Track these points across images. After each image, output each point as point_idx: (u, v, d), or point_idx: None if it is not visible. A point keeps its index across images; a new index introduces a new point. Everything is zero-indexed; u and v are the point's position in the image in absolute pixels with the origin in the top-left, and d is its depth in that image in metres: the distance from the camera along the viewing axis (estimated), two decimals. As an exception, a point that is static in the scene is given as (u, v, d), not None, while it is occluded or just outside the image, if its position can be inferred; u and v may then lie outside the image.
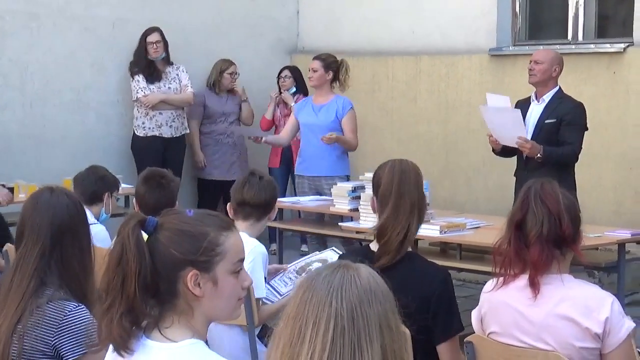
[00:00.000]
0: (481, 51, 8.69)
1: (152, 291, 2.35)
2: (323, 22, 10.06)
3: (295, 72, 9.43)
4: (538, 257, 3.29)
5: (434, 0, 9.09)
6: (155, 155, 8.46)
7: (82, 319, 3.01)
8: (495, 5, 8.66)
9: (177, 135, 8.90)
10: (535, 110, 6.64)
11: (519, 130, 6.38)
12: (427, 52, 9.14)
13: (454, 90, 8.85)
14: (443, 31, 9.04)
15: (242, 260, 2.45)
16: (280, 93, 9.40)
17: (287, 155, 9.23)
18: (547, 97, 6.64)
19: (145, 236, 2.38)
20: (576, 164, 7.64)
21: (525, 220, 3.35)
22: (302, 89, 9.39)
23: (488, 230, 6.12)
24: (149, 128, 8.73)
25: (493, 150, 6.84)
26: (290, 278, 4.50)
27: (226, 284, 2.40)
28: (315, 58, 7.84)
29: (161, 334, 2.36)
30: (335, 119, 7.63)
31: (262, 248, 4.37)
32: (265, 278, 4.40)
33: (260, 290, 4.29)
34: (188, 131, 9.09)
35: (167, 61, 8.94)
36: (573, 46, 8.28)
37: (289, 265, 4.75)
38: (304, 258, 4.80)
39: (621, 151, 7.87)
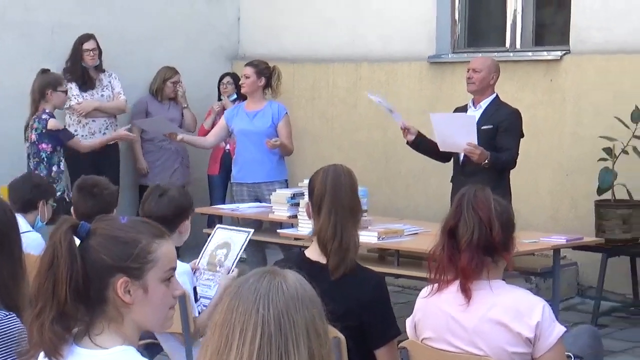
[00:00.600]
0: (420, 58, 8.74)
1: (83, 297, 2.34)
2: (264, 29, 10.06)
3: (237, 79, 9.42)
4: (468, 264, 3.33)
5: (374, 7, 9.14)
6: (89, 162, 8.39)
7: (13, 328, 2.97)
8: (435, 12, 8.72)
9: (111, 143, 8.85)
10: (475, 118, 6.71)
11: (470, 136, 6.41)
12: (367, 59, 9.18)
13: (394, 97, 8.86)
14: (383, 38, 9.09)
15: (174, 269, 2.44)
16: (220, 99, 9.39)
17: (227, 162, 9.22)
18: (484, 103, 6.71)
19: (77, 241, 2.36)
20: (513, 170, 7.72)
21: (458, 227, 3.39)
22: (243, 96, 9.38)
23: (426, 236, 6.14)
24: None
25: (407, 142, 6.87)
26: (208, 278, 4.44)
27: (157, 292, 2.39)
28: (247, 65, 7.87)
29: (91, 341, 2.35)
30: (271, 124, 7.66)
31: (185, 267, 4.33)
32: (195, 295, 4.36)
33: (193, 309, 4.27)
34: None
35: (100, 68, 8.89)
36: (511, 54, 8.36)
37: (197, 263, 4.62)
38: (203, 250, 4.62)
39: (558, 158, 7.97)
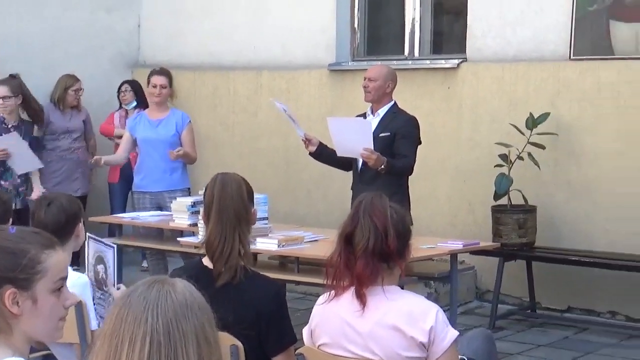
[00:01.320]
0: (321, 66, 8.80)
1: None
2: (164, 36, 10.01)
3: (136, 86, 9.36)
4: (363, 270, 3.37)
5: (275, 15, 9.17)
6: None
7: None
8: (334, 21, 8.79)
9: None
10: (371, 124, 6.76)
11: (366, 141, 6.46)
12: (267, 67, 9.20)
13: (295, 105, 8.91)
14: (283, 46, 9.12)
15: (64, 278, 2.42)
16: (121, 107, 9.33)
17: (126, 171, 9.15)
18: (382, 111, 6.78)
19: None
20: (412, 177, 7.82)
21: (354, 234, 3.43)
22: (142, 103, 9.32)
23: (326, 243, 6.13)
24: None
25: (309, 153, 6.93)
26: (100, 297, 4.39)
27: (46, 303, 2.36)
28: (159, 74, 7.79)
29: None
30: (175, 132, 7.64)
31: (84, 278, 4.28)
32: (95, 307, 4.31)
33: (92, 322, 4.22)
34: None
35: None
36: (409, 62, 8.48)
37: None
38: (86, 264, 4.53)
39: (455, 164, 8.09)
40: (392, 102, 6.83)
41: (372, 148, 6.45)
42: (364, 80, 6.80)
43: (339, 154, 6.70)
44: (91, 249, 4.47)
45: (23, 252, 2.34)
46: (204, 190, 3.97)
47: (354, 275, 3.42)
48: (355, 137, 6.52)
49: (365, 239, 3.39)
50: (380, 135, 6.64)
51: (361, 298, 3.40)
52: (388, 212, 3.43)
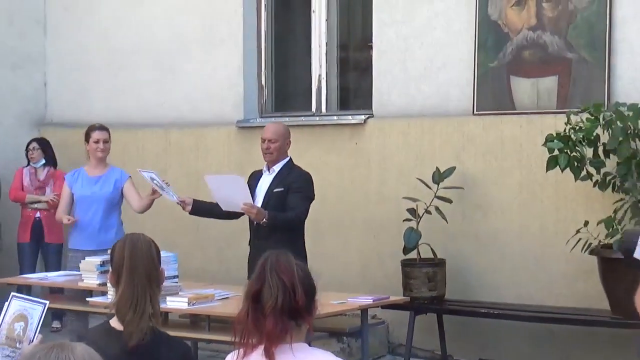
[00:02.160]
0: (229, 123, 8.83)
1: None
2: (72, 93, 9.94)
3: (44, 144, 9.28)
4: (273, 329, 3.36)
5: (183, 72, 9.19)
6: None
7: None
8: (242, 77, 8.84)
9: None
10: (266, 180, 6.89)
11: (243, 196, 6.61)
12: (176, 124, 9.19)
13: (204, 162, 8.94)
14: (191, 103, 9.14)
15: None
16: (28, 164, 9.22)
17: (38, 230, 9.04)
18: (278, 167, 6.89)
19: None
20: (323, 231, 7.87)
21: (262, 292, 3.42)
22: (51, 161, 9.23)
23: (237, 300, 6.12)
24: None
25: (189, 212, 7.09)
26: (8, 355, 4.30)
27: None
28: (100, 129, 7.65)
29: None
30: (113, 190, 7.55)
31: None
32: None
33: None
34: None
35: None
36: (317, 118, 8.56)
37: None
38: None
39: (365, 218, 8.15)
40: (288, 158, 6.95)
41: (251, 202, 6.63)
42: (263, 142, 6.89)
43: (224, 208, 6.83)
44: (12, 308, 4.37)
45: None
46: (110, 251, 3.94)
47: (263, 333, 3.41)
48: (234, 192, 6.68)
49: (274, 297, 3.38)
50: (275, 190, 6.78)
51: (270, 357, 3.39)
52: (294, 268, 3.44)
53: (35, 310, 4.30)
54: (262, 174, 6.94)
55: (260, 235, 6.75)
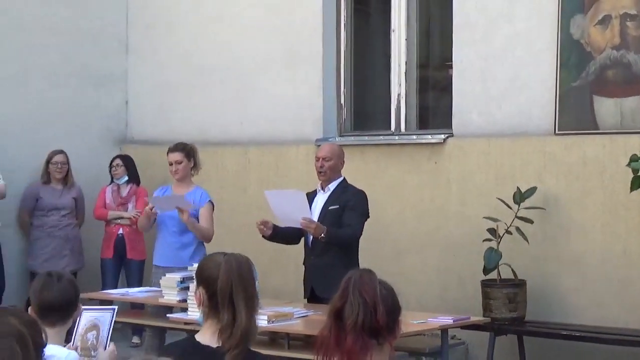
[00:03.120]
0: (308, 141, 8.86)
1: None
2: (152, 112, 10.07)
3: (127, 161, 9.40)
4: (352, 346, 3.35)
5: (262, 91, 9.25)
6: None
7: None
8: (321, 97, 8.87)
9: None
10: (321, 198, 7.00)
11: (303, 210, 6.70)
12: (255, 142, 9.25)
13: (283, 180, 8.96)
14: (271, 121, 9.19)
15: None
16: (112, 181, 9.35)
17: (120, 246, 9.16)
18: (332, 186, 7.01)
19: None
20: (402, 250, 7.84)
21: (344, 309, 3.41)
22: (133, 178, 9.35)
23: (315, 318, 6.19)
24: None
25: (263, 236, 7.10)
26: None
27: None
28: (174, 150, 7.77)
29: None
30: (194, 210, 7.62)
31: (73, 354, 4.24)
32: None
33: None
34: (0, 224, 8.87)
35: None
36: (396, 137, 8.53)
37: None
38: (73, 337, 4.49)
39: (444, 238, 8.10)
40: (342, 178, 7.07)
41: (311, 217, 6.71)
42: (317, 160, 7.01)
43: (283, 224, 6.92)
44: (82, 321, 4.43)
45: None
46: (201, 268, 3.89)
47: (344, 351, 3.40)
48: (293, 207, 6.78)
49: (355, 314, 3.37)
50: (330, 208, 6.88)
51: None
52: (377, 287, 3.43)
53: (105, 317, 4.35)
54: (316, 193, 7.05)
55: (316, 252, 6.89)
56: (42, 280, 4.15)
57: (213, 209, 7.82)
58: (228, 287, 3.71)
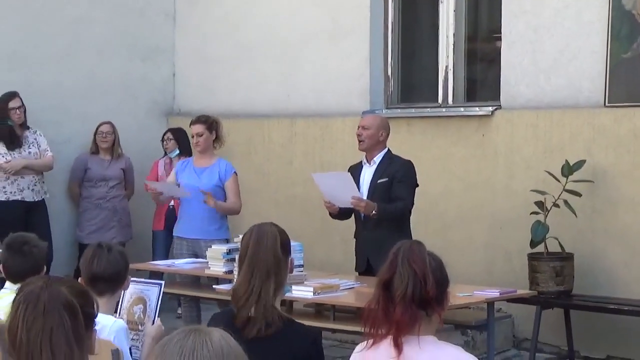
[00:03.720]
0: (355, 114, 8.82)
1: None
2: (199, 84, 10.10)
3: (178, 134, 9.44)
4: (401, 317, 3.33)
5: (308, 63, 9.23)
6: (17, 219, 8.33)
7: None
8: (368, 69, 8.83)
9: (38, 199, 8.82)
10: (368, 172, 6.92)
11: (351, 190, 6.65)
12: (302, 115, 9.24)
13: (329, 152, 8.96)
14: (317, 94, 9.17)
15: None
16: (165, 155, 9.40)
17: (171, 218, 9.20)
18: (377, 158, 6.93)
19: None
20: (448, 224, 7.81)
21: (392, 281, 3.40)
22: (185, 151, 9.39)
23: (362, 290, 6.19)
24: (11, 192, 8.60)
25: (330, 214, 7.07)
26: (133, 338, 4.37)
27: None
28: (196, 122, 7.79)
29: None
30: (218, 182, 7.63)
31: (121, 323, 4.28)
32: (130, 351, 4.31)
33: None
34: (47, 195, 8.97)
35: (25, 126, 8.83)
36: (443, 109, 8.48)
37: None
38: (119, 307, 4.52)
39: (491, 211, 8.05)
40: (386, 149, 6.98)
41: (359, 196, 6.66)
42: (358, 129, 6.98)
43: (338, 205, 6.89)
44: (127, 293, 4.47)
45: None
46: (240, 239, 3.98)
47: (392, 322, 3.38)
48: (341, 188, 6.74)
49: (404, 285, 3.35)
50: (379, 181, 6.82)
51: (398, 346, 3.36)
52: (426, 258, 3.41)
53: (152, 291, 4.37)
54: (362, 166, 6.98)
55: (368, 226, 6.83)
56: (92, 251, 4.20)
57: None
58: (243, 253, 3.78)
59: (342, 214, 7.06)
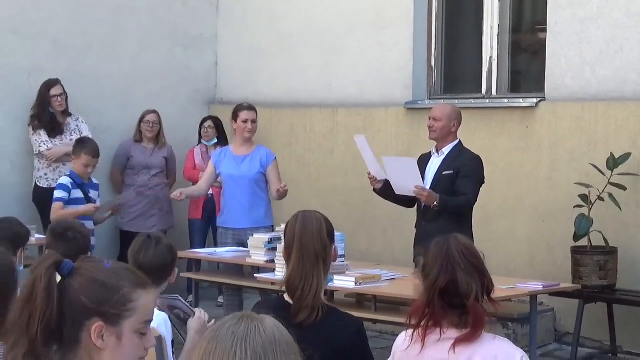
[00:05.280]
0: (397, 104, 8.79)
1: (55, 336, 2.30)
2: (241, 74, 10.09)
3: (217, 123, 9.45)
4: (438, 311, 3.31)
5: (351, 53, 9.19)
6: None
7: None
8: (411, 59, 8.78)
9: None
10: (435, 162, 6.82)
11: (415, 179, 6.54)
12: (344, 105, 9.21)
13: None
14: (359, 84, 9.13)
15: (150, 321, 2.41)
16: (200, 142, 9.41)
17: (209, 207, 9.22)
18: (447, 150, 6.81)
19: (58, 278, 2.33)
20: (490, 216, 7.75)
21: (439, 276, 3.36)
22: (223, 140, 9.40)
23: (403, 281, 6.17)
24: (53, 179, 8.64)
25: (374, 190, 6.99)
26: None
27: (130, 341, 2.35)
28: (248, 109, 7.76)
29: None
30: (259, 169, 7.61)
31: (164, 315, 4.27)
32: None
33: (168, 354, 4.21)
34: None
35: (67, 113, 8.87)
36: (487, 100, 8.42)
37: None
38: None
39: (534, 204, 7.99)
40: (457, 141, 6.85)
41: (422, 185, 6.55)
42: (429, 119, 6.86)
43: (397, 192, 6.78)
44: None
45: (116, 287, 2.34)
46: (284, 228, 3.97)
47: (431, 315, 3.37)
48: (406, 174, 6.63)
49: (443, 279, 3.33)
50: (444, 173, 6.70)
51: (444, 341, 3.34)
52: (467, 251, 3.39)
53: (176, 302, 4.32)
54: (431, 156, 6.87)
55: (428, 217, 6.70)
56: (141, 242, 4.21)
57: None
58: (290, 240, 3.77)
59: (394, 197, 6.92)
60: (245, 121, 7.70)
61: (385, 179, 6.88)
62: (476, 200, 6.71)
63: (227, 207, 7.72)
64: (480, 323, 3.31)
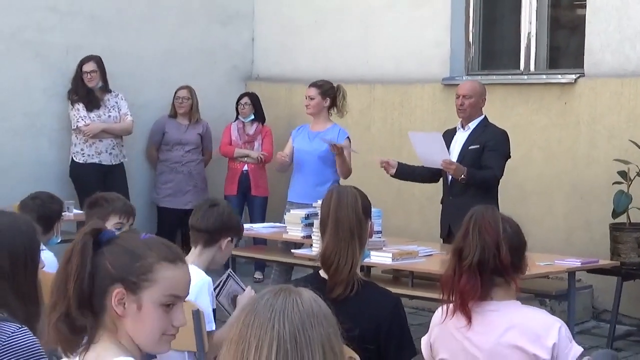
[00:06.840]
0: (434, 80, 8.75)
1: (86, 302, 2.35)
2: (278, 50, 10.09)
3: (254, 99, 9.45)
4: (464, 286, 3.32)
5: (388, 30, 9.15)
6: (95, 182, 8.42)
7: (26, 340, 2.95)
8: (449, 35, 8.73)
9: (116, 163, 8.90)
10: (460, 137, 6.87)
11: (442, 153, 6.63)
12: (380, 81, 9.18)
13: (408, 119, 8.90)
14: (397, 60, 9.09)
15: (178, 297, 2.41)
16: (237, 119, 9.42)
17: (244, 183, 9.24)
18: (473, 124, 6.86)
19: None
20: (528, 193, 7.70)
21: (463, 249, 3.38)
22: (259, 117, 9.40)
23: (440, 258, 6.15)
24: (88, 155, 8.71)
25: (391, 176, 7.12)
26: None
27: (151, 313, 2.37)
28: (311, 85, 7.80)
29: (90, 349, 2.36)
30: (328, 146, 7.60)
31: (206, 278, 4.30)
32: (214, 309, 4.33)
33: (209, 324, 4.23)
34: (126, 159, 9.04)
35: (106, 89, 8.91)
36: (525, 76, 8.36)
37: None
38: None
39: (572, 181, 7.94)
40: (483, 116, 6.91)
41: (450, 159, 6.62)
42: (458, 98, 6.88)
43: (425, 165, 6.91)
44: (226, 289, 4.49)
45: (139, 256, 2.38)
46: (319, 204, 3.98)
47: (458, 291, 3.37)
48: (433, 149, 6.70)
49: (471, 255, 3.34)
50: (470, 147, 6.76)
51: (466, 313, 3.34)
52: (499, 226, 3.38)
53: (229, 280, 4.39)
54: (456, 131, 6.93)
55: (455, 192, 6.79)
56: (200, 204, 4.45)
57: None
58: (325, 214, 3.78)
59: (412, 176, 7.11)
60: (305, 98, 7.75)
61: (398, 164, 7.03)
62: (502, 174, 6.76)
63: (294, 181, 7.78)
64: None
